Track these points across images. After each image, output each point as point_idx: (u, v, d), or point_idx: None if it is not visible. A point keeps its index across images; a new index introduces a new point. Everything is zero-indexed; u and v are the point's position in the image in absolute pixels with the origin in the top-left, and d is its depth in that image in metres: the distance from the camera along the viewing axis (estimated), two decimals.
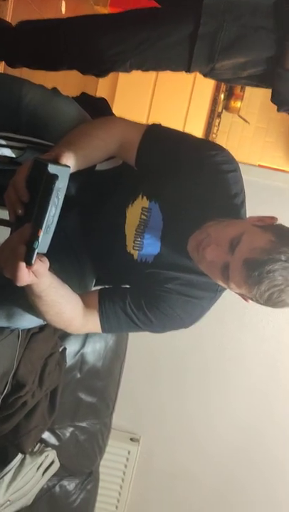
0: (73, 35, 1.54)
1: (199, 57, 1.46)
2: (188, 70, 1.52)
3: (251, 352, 2.69)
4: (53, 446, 2.05)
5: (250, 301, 1.08)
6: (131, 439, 2.71)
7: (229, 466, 2.78)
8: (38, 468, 1.93)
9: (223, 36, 1.42)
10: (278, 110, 1.61)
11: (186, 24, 1.43)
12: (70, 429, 2.15)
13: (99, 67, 1.57)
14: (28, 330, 1.58)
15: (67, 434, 2.14)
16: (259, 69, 1.52)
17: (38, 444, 1.97)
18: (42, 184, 0.88)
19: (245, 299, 1.09)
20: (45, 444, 2.02)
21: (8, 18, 1.82)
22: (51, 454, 2.01)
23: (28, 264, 0.88)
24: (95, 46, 1.49)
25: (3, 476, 1.77)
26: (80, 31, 1.54)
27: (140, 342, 2.39)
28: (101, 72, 1.60)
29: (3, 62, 1.71)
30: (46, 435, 2.02)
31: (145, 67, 1.56)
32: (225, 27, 1.41)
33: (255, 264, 0.98)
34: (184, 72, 1.56)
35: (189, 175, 1.14)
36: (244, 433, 2.76)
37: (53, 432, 2.07)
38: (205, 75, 1.58)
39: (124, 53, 1.49)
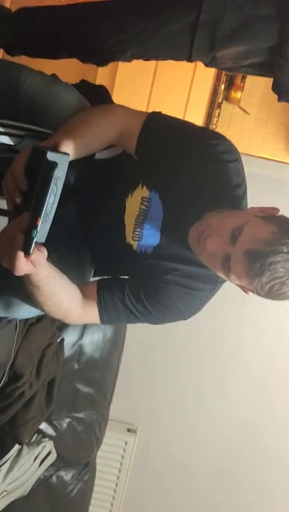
0: (73, 24, 1.52)
1: (200, 45, 1.44)
2: (189, 58, 1.49)
3: (250, 344, 2.69)
4: (50, 437, 2.05)
5: (250, 293, 1.07)
6: (128, 430, 2.72)
7: (226, 457, 2.79)
8: (34, 459, 1.93)
9: (225, 25, 1.40)
10: (279, 100, 1.59)
11: (188, 12, 1.41)
12: (67, 420, 2.15)
13: (99, 57, 1.55)
14: (26, 320, 1.57)
15: (65, 425, 2.14)
16: (260, 58, 1.51)
17: (35, 435, 1.97)
18: (40, 172, 0.86)
19: (246, 291, 1.08)
20: (42, 434, 2.02)
21: (8, 4, 1.79)
22: (48, 445, 2.01)
23: (26, 253, 0.87)
24: (96, 35, 1.47)
25: (0, 466, 1.77)
26: (80, 19, 1.51)
27: (138, 333, 2.39)
28: (101, 62, 1.58)
29: (2, 49, 1.68)
30: (43, 426, 2.02)
31: (146, 57, 1.54)
32: (227, 15, 1.39)
33: (256, 256, 0.97)
34: (185, 61, 1.54)
35: (190, 164, 1.12)
36: (241, 425, 2.77)
37: (50, 422, 2.07)
38: (206, 64, 1.56)
39: (125, 42, 1.47)
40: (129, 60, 1.53)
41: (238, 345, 2.69)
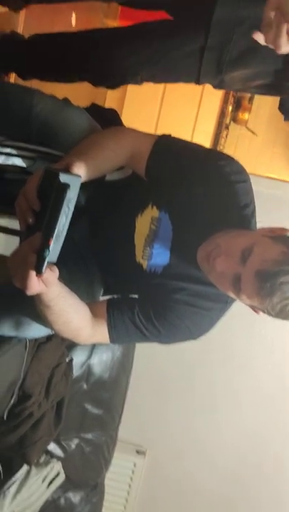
0: (85, 49, 1.55)
1: (208, 68, 1.47)
2: (197, 81, 1.52)
3: (260, 363, 2.67)
4: (59, 458, 2.04)
5: (260, 312, 1.07)
6: (137, 452, 2.69)
7: (237, 479, 2.75)
8: (43, 480, 1.92)
9: (232, 48, 1.42)
10: (285, 119, 1.63)
11: (196, 37, 1.43)
12: (76, 441, 2.14)
13: (111, 80, 1.58)
14: (36, 340, 1.58)
15: (73, 446, 2.13)
16: (267, 80, 1.53)
17: (44, 456, 1.96)
18: (53, 193, 0.88)
19: (256, 311, 1.08)
20: (51, 455, 2.01)
21: (20, 30, 1.84)
22: (56, 466, 1.99)
23: (38, 272, 0.88)
24: (107, 60, 1.51)
25: (8, 488, 1.76)
26: (92, 45, 1.55)
27: (147, 353, 2.38)
28: (112, 85, 1.61)
29: (15, 73, 1.72)
30: (52, 446, 2.01)
31: (156, 80, 1.57)
32: (234, 39, 1.41)
33: (267, 276, 0.97)
34: (193, 84, 1.57)
35: (199, 185, 1.13)
36: (253, 445, 2.73)
37: (58, 443, 2.06)
38: (215, 87, 1.59)
39: (136, 66, 1.50)
40: (140, 83, 1.57)
41: (248, 365, 2.67)
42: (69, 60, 1.58)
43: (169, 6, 1.54)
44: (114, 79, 1.56)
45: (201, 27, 1.42)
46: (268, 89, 1.59)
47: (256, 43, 1.43)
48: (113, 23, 3.03)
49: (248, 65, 1.47)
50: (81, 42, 1.59)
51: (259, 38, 1.04)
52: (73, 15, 2.46)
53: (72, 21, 2.47)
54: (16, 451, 1.75)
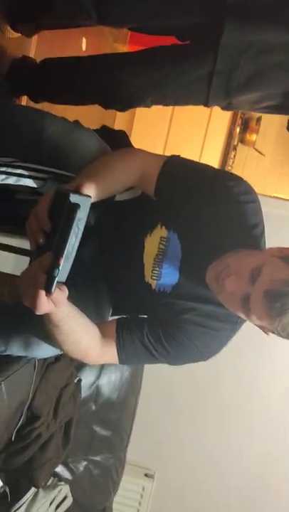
0: (96, 73, 1.59)
1: (216, 93, 1.50)
2: (206, 104, 1.55)
3: (269, 384, 2.64)
4: (67, 481, 2.01)
5: (270, 333, 1.06)
6: (145, 475, 2.65)
7: (249, 501, 2.68)
8: (50, 503, 1.89)
9: (240, 73, 1.44)
10: None
11: (205, 62, 1.46)
12: (84, 463, 2.11)
13: (121, 103, 1.61)
14: (45, 360, 1.57)
15: (81, 468, 2.10)
16: (276, 101, 1.55)
17: (52, 478, 1.94)
18: (63, 213, 0.89)
19: (266, 332, 1.07)
20: (59, 478, 1.99)
21: (32, 54, 1.89)
22: (64, 489, 1.96)
23: (48, 292, 0.88)
24: (117, 84, 1.53)
25: (15, 510, 1.73)
26: (102, 69, 1.59)
27: (156, 374, 2.36)
28: (122, 108, 1.64)
29: (26, 96, 1.76)
30: (60, 469, 1.98)
31: (165, 103, 1.60)
32: (241, 65, 1.43)
33: (276, 296, 0.96)
34: (201, 106, 1.59)
35: (208, 205, 1.14)
36: (264, 466, 2.68)
37: (66, 465, 2.03)
38: (223, 109, 1.62)
39: (145, 90, 1.53)
40: (149, 106, 1.59)
41: (257, 386, 2.64)
42: (79, 84, 1.61)
43: (178, 31, 1.58)
44: (124, 102, 1.60)
45: (210, 52, 1.44)
46: (276, 109, 1.61)
47: (263, 67, 1.45)
48: (123, 47, 3.09)
49: (255, 89, 1.49)
50: (91, 66, 1.62)
51: None
52: (83, 40, 2.51)
53: (83, 46, 2.52)
54: (24, 474, 1.72)
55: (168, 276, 1.17)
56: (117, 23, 1.62)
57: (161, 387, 2.59)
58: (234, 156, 3.67)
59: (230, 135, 3.58)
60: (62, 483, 1.98)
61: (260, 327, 1.06)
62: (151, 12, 1.48)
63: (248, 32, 1.40)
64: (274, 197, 3.51)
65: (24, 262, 1.38)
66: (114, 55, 1.77)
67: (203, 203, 1.14)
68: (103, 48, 2.90)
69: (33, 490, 1.81)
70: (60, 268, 0.87)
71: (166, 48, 1.55)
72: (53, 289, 0.88)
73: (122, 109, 1.65)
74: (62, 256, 0.87)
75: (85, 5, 1.50)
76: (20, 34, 1.69)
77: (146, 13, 1.49)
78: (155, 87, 1.51)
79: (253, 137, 3.61)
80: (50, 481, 1.92)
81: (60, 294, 0.91)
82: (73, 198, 0.91)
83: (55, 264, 0.87)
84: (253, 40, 1.40)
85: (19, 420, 1.51)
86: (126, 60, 1.61)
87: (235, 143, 3.63)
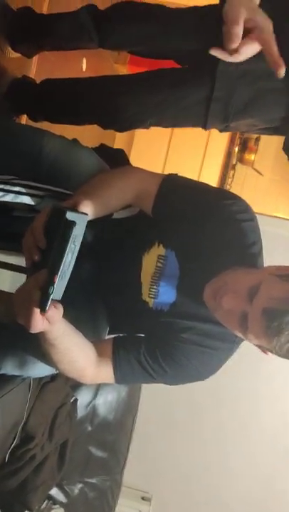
0: (95, 95, 1.60)
1: (214, 118, 1.52)
2: (204, 128, 1.57)
3: (268, 404, 2.60)
4: (61, 504, 1.97)
5: (268, 353, 1.05)
6: (142, 498, 2.60)
7: None
8: None
9: (237, 99, 1.47)
10: None
11: (203, 87, 1.48)
12: (79, 486, 2.07)
13: (120, 125, 1.63)
14: (40, 379, 1.55)
15: (76, 491, 2.06)
16: (273, 124, 1.57)
17: (46, 501, 1.89)
18: (59, 230, 0.88)
19: (264, 351, 1.06)
20: (53, 501, 1.94)
21: (32, 75, 1.91)
22: None
23: (43, 310, 0.87)
24: (116, 106, 1.55)
25: None
26: (102, 91, 1.60)
27: (153, 394, 2.33)
28: (121, 129, 1.65)
29: (26, 115, 1.77)
30: (54, 491, 1.94)
31: (164, 125, 1.62)
32: (239, 91, 1.45)
33: (274, 315, 0.96)
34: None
35: (206, 223, 1.14)
36: (265, 488, 2.62)
37: (61, 487, 1.99)
38: (221, 131, 1.63)
39: (144, 113, 1.55)
40: (148, 128, 1.61)
41: (256, 406, 2.60)
42: (79, 105, 1.63)
43: (177, 56, 1.60)
44: (122, 124, 1.61)
45: (207, 78, 1.47)
46: (273, 131, 1.63)
47: (260, 92, 1.47)
48: (123, 68, 3.13)
49: (252, 114, 1.51)
50: (91, 88, 1.64)
51: (217, 52, 1.08)
52: (84, 60, 2.54)
53: (83, 66, 2.55)
54: (17, 497, 1.69)
55: (165, 295, 1.16)
56: (117, 46, 1.65)
57: (159, 408, 2.55)
58: (233, 176, 3.69)
59: (228, 154, 3.61)
60: (57, 506, 1.93)
61: (259, 346, 1.05)
62: (150, 36, 1.50)
63: (241, 62, 1.42)
64: (273, 216, 3.52)
65: (21, 279, 1.37)
66: (114, 77, 1.79)
67: (201, 221, 1.14)
68: (103, 68, 2.94)
69: None
70: (55, 286, 0.86)
71: (165, 71, 1.56)
72: (47, 307, 0.87)
73: (120, 130, 1.67)
74: (57, 273, 0.86)
75: (86, 28, 1.52)
76: (20, 54, 1.71)
77: (145, 37, 1.52)
78: (154, 111, 1.53)
79: (252, 157, 3.64)
80: (44, 504, 1.88)
81: (55, 312, 0.90)
82: (70, 216, 0.91)
83: (50, 282, 0.86)
84: (248, 67, 1.42)
85: (13, 441, 1.49)
86: (125, 82, 1.62)
87: (234, 162, 3.66)
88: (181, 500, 2.64)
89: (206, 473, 2.63)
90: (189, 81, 1.51)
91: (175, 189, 1.17)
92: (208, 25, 1.46)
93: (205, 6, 1.47)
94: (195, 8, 1.48)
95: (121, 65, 3.12)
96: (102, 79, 1.70)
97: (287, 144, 1.58)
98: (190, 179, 1.21)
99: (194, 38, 1.48)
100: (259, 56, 1.43)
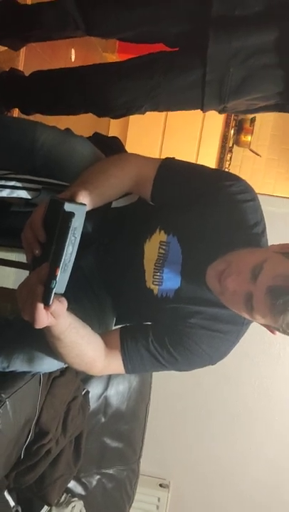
0: (86, 85, 1.58)
1: (210, 100, 1.50)
2: (202, 109, 1.54)
3: (278, 386, 2.60)
4: (80, 496, 1.97)
5: (277, 332, 1.04)
6: (160, 485, 2.61)
7: (264, 504, 2.64)
8: None
9: (230, 80, 1.44)
10: None
11: (195, 69, 1.46)
12: (97, 477, 2.07)
13: (114, 113, 1.60)
14: (50, 374, 1.55)
15: (94, 483, 2.06)
16: (271, 102, 1.54)
17: (64, 495, 1.90)
18: (58, 223, 0.87)
19: (272, 331, 1.04)
20: (72, 494, 1.95)
21: (20, 67, 1.88)
22: (78, 505, 1.93)
23: (46, 304, 0.86)
24: (109, 95, 1.53)
25: None
26: (93, 80, 1.58)
27: (165, 382, 2.33)
28: (116, 116, 1.63)
29: (17, 109, 1.75)
30: (72, 484, 1.95)
31: (159, 110, 1.59)
32: (231, 71, 1.43)
33: (279, 292, 0.94)
34: (194, 110, 1.58)
35: (206, 206, 1.12)
36: (276, 468, 2.63)
37: (78, 480, 2.00)
38: (219, 112, 1.61)
39: (138, 100, 1.53)
40: (143, 113, 1.59)
41: (267, 388, 2.60)
42: (70, 95, 1.60)
43: (167, 38, 1.57)
44: (116, 111, 1.59)
45: (198, 60, 1.44)
46: (272, 108, 1.60)
47: (252, 70, 1.44)
48: (112, 56, 3.09)
49: (248, 92, 1.49)
50: (81, 77, 1.62)
51: None
52: (72, 50, 2.51)
53: (72, 57, 2.52)
54: (36, 492, 1.69)
55: (170, 281, 1.15)
56: (105, 33, 1.62)
57: (171, 395, 2.55)
58: (230, 158, 3.66)
59: (224, 137, 3.58)
60: (76, 499, 1.94)
61: (266, 326, 1.04)
62: (138, 21, 1.48)
63: (233, 39, 1.40)
64: (273, 195, 3.50)
65: (24, 276, 1.36)
66: (104, 65, 1.76)
67: (202, 204, 1.12)
68: (92, 57, 2.90)
69: (46, 508, 1.78)
70: (57, 279, 0.85)
71: (156, 56, 1.54)
72: (51, 301, 0.85)
73: (116, 117, 1.64)
74: (59, 266, 0.85)
75: (72, 16, 1.49)
76: (6, 47, 1.68)
77: (133, 22, 1.49)
78: (147, 97, 1.51)
79: (248, 138, 3.61)
80: (63, 497, 1.89)
81: (59, 306, 0.89)
82: (68, 207, 0.89)
83: (52, 276, 0.84)
84: (239, 46, 1.40)
85: (27, 437, 1.48)
86: (116, 70, 1.60)
87: (231, 145, 3.63)
88: (198, 484, 2.65)
89: (220, 457, 2.64)
90: (181, 64, 1.48)
91: (173, 173, 1.15)
92: (198, 7, 1.43)
93: None
94: None
95: (110, 54, 3.07)
96: (92, 67, 1.68)
97: None
98: (188, 162, 1.19)
99: (183, 20, 1.45)
100: (250, 31, 1.40)
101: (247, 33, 1.41)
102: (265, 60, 1.42)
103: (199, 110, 1.56)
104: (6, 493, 1.61)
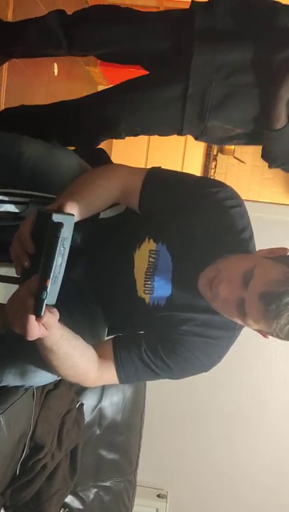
0: (64, 122, 1.57)
1: (191, 116, 1.48)
2: (180, 131, 1.53)
3: (272, 390, 2.61)
4: (78, 511, 1.95)
5: (269, 337, 1.04)
6: (158, 496, 2.59)
7: (263, 511, 2.63)
8: None
9: (212, 95, 1.44)
10: (270, 167, 1.60)
11: (175, 84, 1.46)
12: (94, 490, 2.05)
13: (94, 142, 1.59)
14: (43, 387, 1.54)
15: (91, 496, 2.04)
16: (248, 128, 1.53)
17: (62, 509, 1.87)
18: (47, 234, 0.87)
19: (265, 336, 1.05)
20: (69, 508, 1.92)
21: (3, 83, 1.89)
22: None
23: (38, 316, 0.86)
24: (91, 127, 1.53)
25: None
26: (74, 114, 1.57)
27: (158, 390, 2.32)
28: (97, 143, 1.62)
29: None
30: (69, 499, 1.92)
31: (136, 131, 1.57)
32: (213, 85, 1.44)
33: (271, 297, 0.95)
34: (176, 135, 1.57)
35: (194, 214, 1.13)
36: (274, 473, 2.63)
37: (75, 494, 1.97)
38: (196, 137, 1.59)
39: (116, 128, 1.52)
40: (123, 138, 1.58)
41: (260, 393, 2.60)
42: (45, 128, 1.56)
43: (145, 60, 1.58)
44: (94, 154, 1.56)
45: (181, 76, 1.44)
46: (249, 138, 1.58)
47: (233, 87, 1.45)
48: (94, 69, 3.12)
49: (227, 110, 1.47)
50: (58, 113, 1.60)
51: None
52: (55, 65, 2.53)
53: (55, 71, 2.54)
54: (33, 508, 1.67)
55: (161, 289, 1.15)
56: (85, 50, 1.62)
57: (166, 403, 2.55)
58: (215, 166, 3.70)
59: (209, 146, 3.62)
60: None
61: (259, 331, 1.04)
62: (120, 38, 1.49)
63: (217, 51, 1.41)
64: (258, 201, 3.53)
65: (14, 290, 1.36)
66: (83, 100, 1.71)
67: (189, 212, 1.13)
68: (75, 71, 2.93)
69: None
70: (48, 290, 0.85)
71: (137, 80, 1.54)
72: (42, 313, 0.85)
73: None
74: (49, 277, 0.85)
75: (55, 33, 1.51)
76: None
77: (114, 37, 1.50)
78: (128, 112, 1.49)
79: (232, 146, 3.64)
80: None
81: (51, 317, 0.89)
82: (56, 218, 0.90)
83: (43, 287, 0.84)
84: (222, 59, 1.41)
85: (22, 452, 1.47)
86: (95, 103, 1.57)
87: (215, 153, 3.67)
88: (196, 493, 2.64)
89: (217, 463, 2.63)
90: (160, 80, 1.49)
91: (159, 182, 1.16)
92: (182, 21, 1.45)
93: (173, 10, 1.47)
94: (164, 12, 1.47)
95: (92, 67, 3.10)
96: (70, 103, 1.64)
97: (265, 152, 1.55)
98: (174, 171, 1.21)
99: (164, 36, 1.47)
100: (232, 46, 1.42)
101: (229, 48, 1.42)
102: (245, 78, 1.43)
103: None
104: (2, 511, 1.58)
